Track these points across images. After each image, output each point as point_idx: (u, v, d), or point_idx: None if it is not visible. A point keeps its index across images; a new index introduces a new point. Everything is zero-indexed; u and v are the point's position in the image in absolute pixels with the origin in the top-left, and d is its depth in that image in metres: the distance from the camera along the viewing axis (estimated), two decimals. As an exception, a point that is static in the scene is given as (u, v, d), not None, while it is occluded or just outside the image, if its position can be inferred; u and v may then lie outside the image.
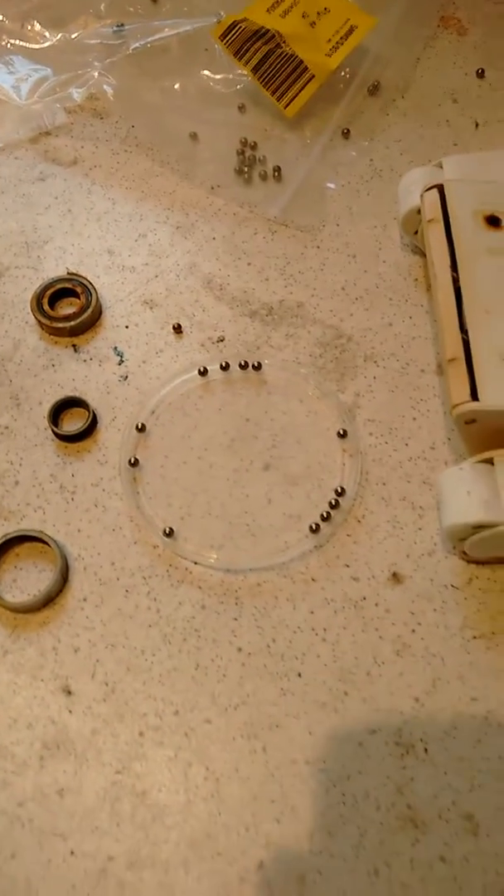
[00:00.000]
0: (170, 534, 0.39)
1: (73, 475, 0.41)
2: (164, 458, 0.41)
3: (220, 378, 0.44)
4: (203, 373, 0.43)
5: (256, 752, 0.34)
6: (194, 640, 0.37)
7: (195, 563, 0.38)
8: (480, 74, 0.55)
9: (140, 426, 0.42)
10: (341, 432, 0.41)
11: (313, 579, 0.38)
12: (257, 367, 0.43)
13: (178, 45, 0.55)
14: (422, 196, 0.42)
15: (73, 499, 0.40)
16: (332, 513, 0.39)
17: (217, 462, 0.41)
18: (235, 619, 0.37)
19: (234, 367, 0.43)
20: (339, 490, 0.39)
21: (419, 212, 0.43)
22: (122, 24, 0.55)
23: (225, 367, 0.43)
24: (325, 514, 0.39)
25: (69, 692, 0.36)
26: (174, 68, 0.53)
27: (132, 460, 0.41)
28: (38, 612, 0.38)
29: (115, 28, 0.55)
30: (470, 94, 0.54)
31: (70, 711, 0.35)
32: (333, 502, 0.39)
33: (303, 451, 0.41)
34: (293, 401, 0.43)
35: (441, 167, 0.44)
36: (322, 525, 0.39)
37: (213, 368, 0.43)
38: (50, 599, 0.38)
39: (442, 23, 0.58)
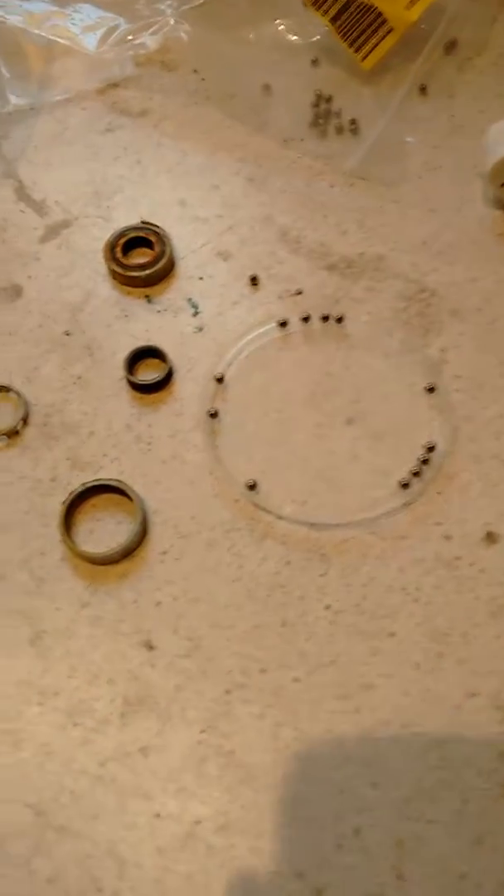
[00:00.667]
0: (253, 487, 0.37)
1: (149, 426, 0.40)
2: (244, 411, 0.40)
3: (300, 331, 0.42)
4: (283, 325, 0.42)
5: (348, 713, 0.33)
6: (280, 596, 0.35)
7: (278, 518, 0.37)
8: None
9: (219, 377, 0.40)
10: (429, 388, 0.39)
11: (403, 537, 0.36)
12: (339, 321, 0.42)
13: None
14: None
15: (149, 450, 0.39)
16: (423, 469, 0.37)
17: (298, 416, 0.40)
18: (322, 576, 0.35)
19: (315, 319, 0.42)
20: (429, 446, 0.38)
21: (511, 162, 0.41)
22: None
23: (305, 320, 0.42)
24: (415, 471, 0.37)
25: (151, 647, 0.34)
26: (246, 18, 0.52)
27: (212, 411, 0.39)
28: (117, 564, 0.36)
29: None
30: (551, 51, 0.52)
31: (152, 666, 0.34)
32: (423, 459, 0.37)
33: (388, 406, 0.40)
34: (377, 355, 0.41)
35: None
36: (412, 481, 0.37)
37: (293, 321, 0.42)
38: (129, 552, 0.36)
39: (520, -20, 0.56)
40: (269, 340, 0.42)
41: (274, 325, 0.42)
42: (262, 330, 0.42)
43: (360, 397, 0.40)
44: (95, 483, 0.37)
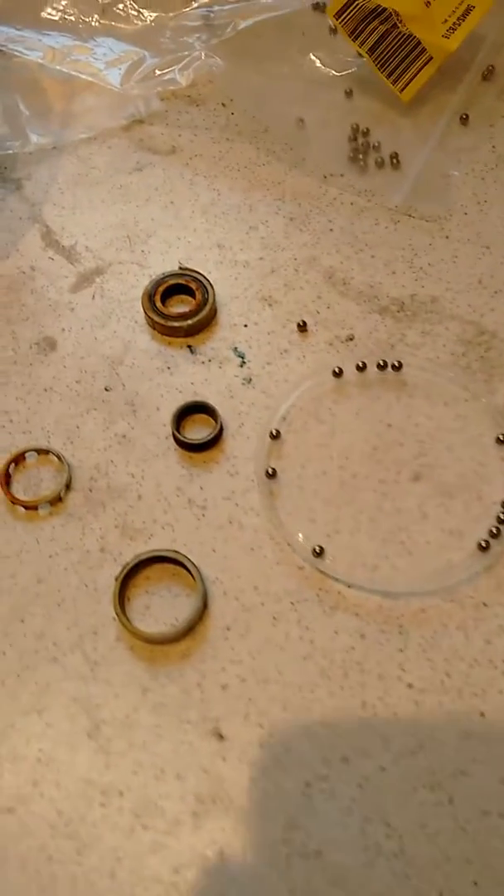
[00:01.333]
0: (319, 553, 0.35)
1: (201, 488, 0.37)
2: (301, 469, 0.37)
3: (355, 380, 0.40)
4: (338, 374, 0.39)
5: (442, 805, 0.30)
6: (357, 675, 0.32)
7: (348, 586, 0.34)
8: None
9: (274, 433, 0.38)
10: (501, 438, 0.37)
11: (485, 604, 0.34)
12: (397, 368, 0.39)
13: (274, 28, 0.51)
14: None
15: (203, 515, 0.36)
16: (502, 528, 0.35)
17: (360, 472, 0.37)
18: (401, 651, 0.33)
19: (371, 367, 0.39)
20: (505, 503, 0.35)
21: None
22: (212, 6, 0.52)
23: (361, 368, 0.39)
24: (493, 530, 0.35)
25: (221, 736, 0.31)
26: (277, 50, 0.50)
27: (269, 471, 0.37)
28: (177, 642, 0.33)
29: (206, 10, 0.51)
30: None
31: (223, 759, 0.31)
32: (501, 517, 0.35)
33: (455, 459, 0.37)
34: (438, 404, 0.39)
35: None
36: (491, 542, 0.34)
37: (348, 369, 0.39)
38: (190, 629, 0.33)
39: (552, 4, 0.54)
40: (323, 391, 0.39)
41: (328, 374, 0.39)
42: (315, 380, 0.39)
43: (425, 450, 0.37)
44: (151, 555, 0.34)
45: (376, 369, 0.39)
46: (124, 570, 0.34)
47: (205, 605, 0.34)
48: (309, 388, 0.39)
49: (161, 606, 0.34)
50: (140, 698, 0.32)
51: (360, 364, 0.39)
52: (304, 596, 0.34)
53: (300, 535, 0.35)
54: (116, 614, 0.33)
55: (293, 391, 0.39)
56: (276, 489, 0.37)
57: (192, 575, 0.34)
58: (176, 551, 0.34)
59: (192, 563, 0.34)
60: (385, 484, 0.37)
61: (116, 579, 0.34)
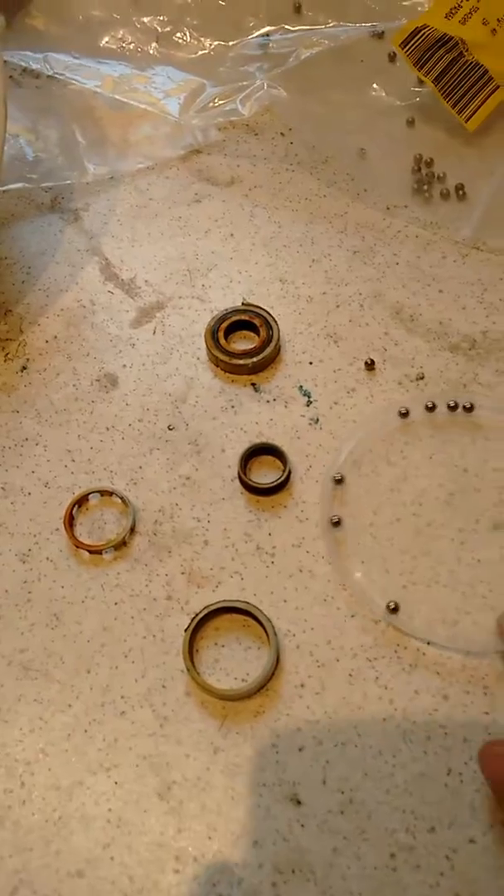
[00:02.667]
0: (395, 609, 0.33)
1: (269, 534, 0.36)
2: (373, 515, 0.36)
3: (426, 421, 0.38)
4: (404, 414, 0.38)
5: (536, 883, 0.28)
6: (441, 739, 0.31)
7: (427, 643, 0.33)
8: None
9: (338, 478, 0.36)
10: None
11: None
12: (469, 409, 0.38)
13: (332, 58, 0.51)
14: None
15: (273, 562, 0.35)
16: None
17: (436, 520, 0.36)
18: (487, 714, 0.31)
19: (442, 407, 0.38)
20: None
21: None
22: (269, 35, 0.51)
23: (431, 409, 0.38)
24: None
25: (298, 801, 0.30)
26: (337, 79, 0.49)
27: (334, 519, 0.35)
28: (250, 699, 0.32)
29: (265, 39, 0.50)
30: None
31: (302, 826, 0.30)
32: None
33: (535, 508, 0.36)
34: (523, 453, 0.37)
35: None
36: None
37: (417, 410, 0.38)
38: (263, 685, 0.32)
39: None
40: (392, 432, 0.38)
41: (395, 415, 0.38)
42: (383, 420, 0.38)
43: None
44: (221, 605, 0.33)
45: (447, 410, 0.38)
46: (193, 620, 0.33)
47: (277, 660, 0.32)
48: (375, 430, 0.38)
49: (231, 659, 0.33)
50: (212, 758, 0.31)
51: (430, 404, 0.38)
52: (382, 652, 0.33)
53: (373, 590, 0.34)
54: (186, 668, 0.32)
55: (359, 432, 0.38)
56: (343, 537, 0.35)
57: (264, 628, 0.33)
58: (247, 602, 0.33)
59: (264, 615, 0.33)
60: (463, 533, 0.35)
61: (186, 630, 0.33)
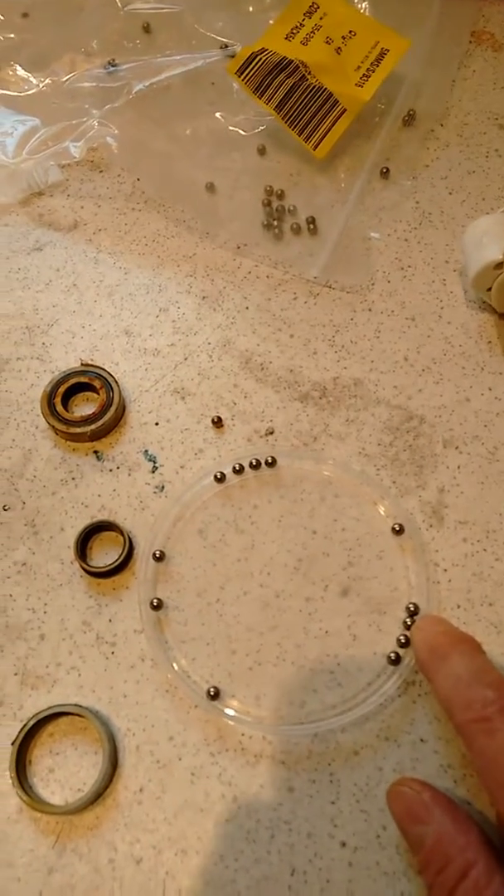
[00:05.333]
0: (215, 696, 0.31)
1: (110, 620, 0.34)
2: (220, 590, 0.34)
3: (238, 483, 0.36)
4: (220, 479, 0.36)
5: None
6: (285, 836, 0.29)
7: (270, 736, 0.31)
8: (527, 94, 0.48)
9: (158, 554, 0.34)
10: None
11: (422, 739, 0.31)
12: (270, 464, 0.36)
13: (181, 82, 0.48)
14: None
15: (113, 652, 0.33)
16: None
17: (285, 590, 0.34)
18: (333, 803, 0.30)
19: (283, 462, 0.36)
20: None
21: (497, 266, 0.37)
22: (116, 62, 0.48)
23: (238, 471, 0.36)
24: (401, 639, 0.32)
25: (135, 921, 0.28)
26: (180, 110, 0.46)
27: (154, 602, 0.33)
28: (86, 810, 0.30)
29: (108, 68, 0.48)
30: (519, 117, 0.48)
31: None
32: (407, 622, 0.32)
33: (385, 568, 0.34)
34: (366, 504, 0.36)
35: (516, 213, 0.37)
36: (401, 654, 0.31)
37: (229, 471, 0.36)
38: (99, 794, 0.30)
39: (474, 38, 0.51)
40: (210, 500, 0.36)
41: (211, 480, 0.36)
42: (199, 488, 0.36)
43: (353, 559, 0.34)
44: (50, 712, 0.31)
45: (250, 469, 0.36)
46: (21, 733, 0.30)
47: (114, 766, 0.30)
48: (193, 499, 0.36)
49: (68, 769, 0.31)
50: (45, 879, 0.29)
51: (237, 467, 0.36)
52: (226, 745, 0.31)
53: (196, 675, 0.32)
54: (14, 786, 0.30)
55: (175, 503, 0.35)
56: (165, 619, 0.33)
57: (97, 731, 0.30)
58: (77, 705, 0.31)
59: (97, 717, 0.31)
60: (311, 602, 0.34)
61: (13, 744, 0.30)
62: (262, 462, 0.36)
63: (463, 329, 0.40)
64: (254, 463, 0.36)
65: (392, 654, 0.32)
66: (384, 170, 0.45)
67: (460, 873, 0.25)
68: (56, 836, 0.30)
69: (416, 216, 0.44)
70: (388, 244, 0.43)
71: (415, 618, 0.32)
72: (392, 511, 0.35)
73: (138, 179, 0.46)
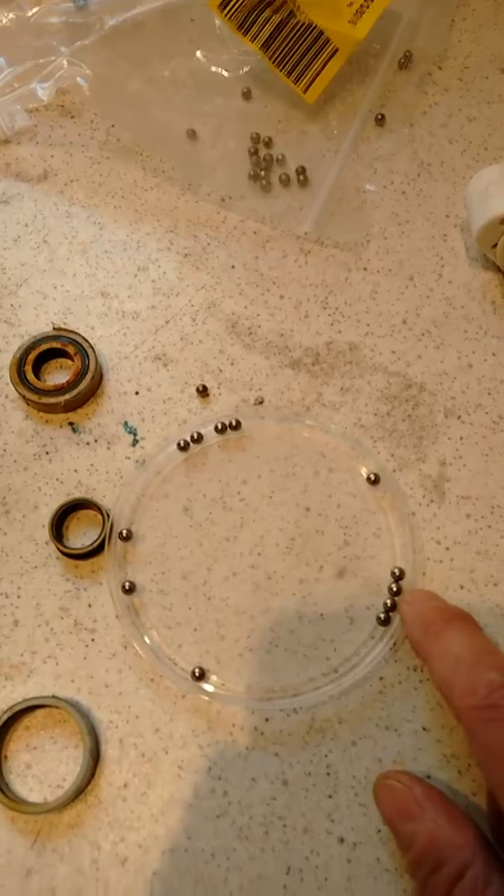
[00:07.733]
0: (200, 676, 0.29)
1: (89, 605, 0.31)
2: (207, 572, 0.32)
3: (203, 451, 0.34)
4: (183, 447, 0.33)
5: None
6: (279, 833, 0.28)
7: (266, 720, 0.29)
8: (532, 35, 0.45)
9: (125, 533, 0.32)
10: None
11: (424, 728, 0.29)
12: (236, 427, 0.33)
13: (158, 18, 0.44)
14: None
15: (93, 640, 0.31)
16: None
17: (277, 571, 0.32)
18: (330, 797, 0.28)
19: (271, 427, 0.34)
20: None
21: (503, 221, 0.34)
22: (82, -3, 0.44)
23: (197, 440, 0.33)
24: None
25: (121, 926, 0.27)
26: (157, 49, 0.42)
27: (126, 585, 0.31)
28: (66, 808, 0.28)
29: (78, 2, 0.43)
30: (523, 60, 0.44)
31: None
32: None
33: (381, 547, 0.32)
34: (360, 479, 0.33)
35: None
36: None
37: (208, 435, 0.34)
38: (80, 791, 0.28)
39: (475, -27, 0.48)
40: (175, 469, 0.33)
41: (175, 448, 0.33)
42: (163, 458, 0.33)
43: (349, 538, 0.32)
44: (26, 705, 0.29)
45: (214, 433, 0.34)
46: (-6, 728, 0.28)
47: (96, 761, 0.28)
48: (158, 469, 0.33)
49: (46, 764, 0.29)
50: (24, 882, 0.27)
51: (195, 435, 0.33)
52: (216, 736, 0.29)
53: (181, 657, 0.30)
54: (-11, 785, 0.28)
55: (140, 475, 0.33)
56: (139, 604, 0.31)
57: (77, 724, 0.28)
58: (55, 696, 0.29)
59: (76, 709, 0.29)
60: (305, 584, 0.31)
61: (-14, 741, 0.28)
62: (231, 425, 0.33)
63: (465, 289, 0.37)
64: (233, 423, 0.33)
65: (381, 616, 0.30)
66: (379, 116, 0.42)
67: (456, 874, 0.23)
68: (35, 836, 0.28)
69: (414, 167, 0.41)
70: (385, 197, 0.40)
71: (400, 583, 0.30)
72: (371, 467, 0.33)
73: (113, 125, 0.42)
